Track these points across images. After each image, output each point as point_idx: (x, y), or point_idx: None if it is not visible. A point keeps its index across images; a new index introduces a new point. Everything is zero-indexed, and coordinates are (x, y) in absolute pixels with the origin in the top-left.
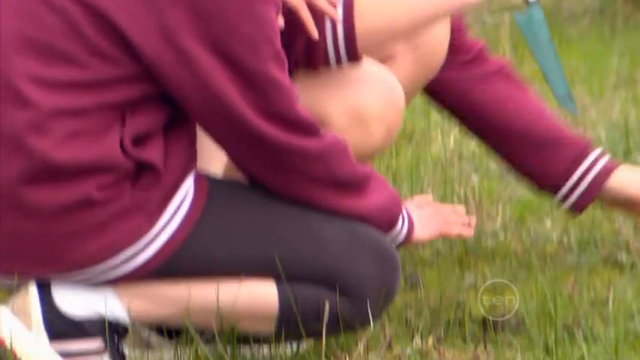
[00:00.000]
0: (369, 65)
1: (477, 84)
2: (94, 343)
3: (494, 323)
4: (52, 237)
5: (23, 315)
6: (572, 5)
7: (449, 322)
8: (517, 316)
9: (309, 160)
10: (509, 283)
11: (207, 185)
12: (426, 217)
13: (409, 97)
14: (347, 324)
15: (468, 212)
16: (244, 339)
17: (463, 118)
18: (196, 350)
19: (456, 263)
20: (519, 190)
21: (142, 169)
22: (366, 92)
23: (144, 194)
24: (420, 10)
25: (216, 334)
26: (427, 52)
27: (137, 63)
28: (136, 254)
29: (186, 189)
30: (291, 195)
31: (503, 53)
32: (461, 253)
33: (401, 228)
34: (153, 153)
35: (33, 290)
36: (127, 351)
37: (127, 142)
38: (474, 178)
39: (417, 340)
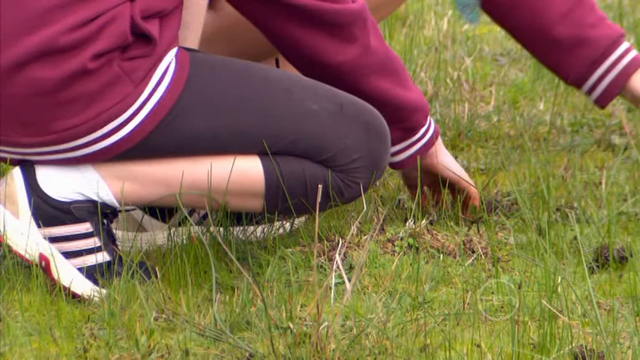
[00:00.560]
0: None
1: None
2: (83, 227)
3: (488, 205)
4: (47, 107)
5: (10, 203)
6: None
7: (442, 204)
8: (510, 198)
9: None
10: (502, 165)
11: (188, 58)
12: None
13: None
14: (336, 198)
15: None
16: (237, 219)
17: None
18: (189, 232)
19: (449, 146)
20: (512, 73)
21: (135, 41)
22: None
23: (131, 64)
24: None
25: (209, 214)
26: None
27: None
28: (124, 124)
29: (169, 61)
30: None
31: None
32: (454, 136)
33: (426, 130)
34: (153, 26)
35: (17, 175)
36: (119, 233)
37: (136, 14)
38: (468, 61)
39: (410, 222)
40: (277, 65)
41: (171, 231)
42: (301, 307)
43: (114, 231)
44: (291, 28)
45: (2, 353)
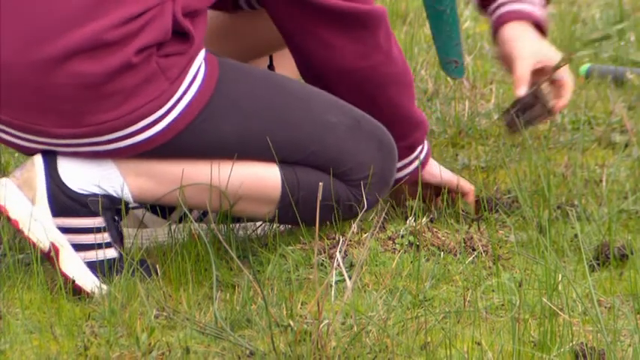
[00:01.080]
0: None
1: None
2: (96, 221)
3: (488, 203)
4: (87, 99)
5: (27, 188)
6: None
7: (443, 202)
8: (510, 196)
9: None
10: (502, 163)
11: (217, 61)
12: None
13: None
14: (345, 211)
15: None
16: (238, 217)
17: None
18: (190, 229)
19: (449, 143)
20: None
21: (172, 39)
22: None
23: (167, 61)
24: None
25: (209, 212)
26: None
27: None
28: (157, 121)
29: (200, 61)
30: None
31: None
32: (454, 134)
33: (422, 148)
34: (190, 24)
35: (39, 162)
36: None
37: (178, 11)
38: (468, 59)
39: (411, 220)
40: (271, 62)
41: (172, 228)
42: (302, 304)
43: (122, 229)
44: (317, 29)
45: (3, 351)
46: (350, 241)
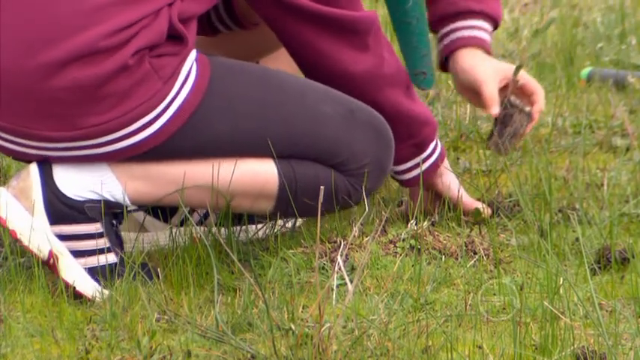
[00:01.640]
0: None
1: None
2: (94, 227)
3: (490, 206)
4: (83, 102)
5: (24, 198)
6: None
7: (444, 206)
8: (512, 200)
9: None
10: (503, 166)
11: (208, 60)
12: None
13: None
14: (343, 201)
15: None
16: (239, 220)
17: None
18: (191, 232)
19: (451, 147)
20: None
21: (165, 41)
22: None
23: (159, 61)
24: None
25: (211, 213)
26: None
27: None
28: (152, 122)
29: (191, 62)
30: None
31: None
32: (456, 137)
33: (434, 148)
34: (184, 28)
35: (34, 170)
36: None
37: (174, 15)
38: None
39: (412, 224)
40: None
41: (173, 231)
42: (303, 308)
43: (121, 233)
44: (309, 35)
45: (4, 355)
46: (351, 244)
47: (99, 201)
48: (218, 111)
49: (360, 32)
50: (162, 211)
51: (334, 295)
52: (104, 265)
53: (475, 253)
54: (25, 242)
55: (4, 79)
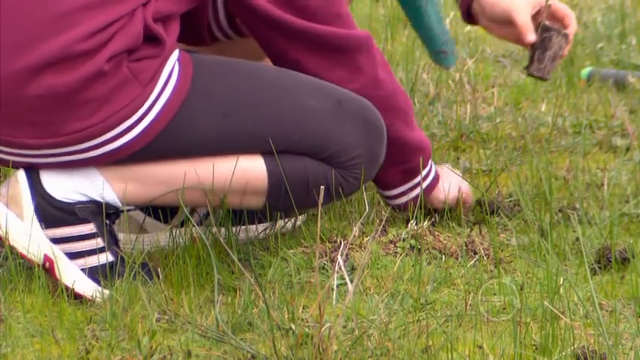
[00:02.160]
0: None
1: None
2: (86, 227)
3: (490, 206)
4: (60, 109)
5: (14, 204)
6: None
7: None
8: (512, 200)
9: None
10: (504, 166)
11: (190, 60)
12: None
13: None
14: (336, 193)
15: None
16: (239, 219)
17: None
18: (191, 233)
19: (451, 147)
20: (514, 74)
21: (143, 43)
22: None
23: (138, 65)
24: None
25: (211, 214)
26: None
27: None
28: (133, 126)
29: (173, 62)
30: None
31: None
32: (456, 137)
33: (427, 174)
34: (161, 29)
35: (22, 176)
36: (120, 235)
37: (149, 17)
38: (470, 63)
39: (412, 224)
40: None
41: (174, 232)
42: (303, 308)
43: (116, 232)
44: (298, 54)
45: (4, 355)
46: (351, 244)
47: (89, 202)
48: (202, 110)
49: (350, 50)
50: (163, 212)
51: (334, 295)
52: (98, 266)
53: (475, 253)
54: (19, 249)
55: None
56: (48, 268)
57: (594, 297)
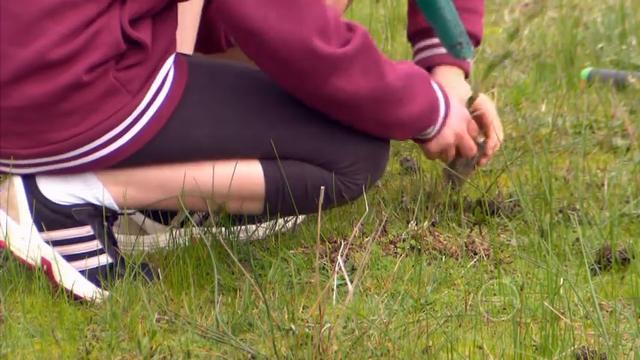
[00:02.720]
0: None
1: None
2: (84, 230)
3: (490, 206)
4: (44, 119)
5: (11, 208)
6: None
7: (444, 206)
8: (512, 200)
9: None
10: (504, 166)
11: (187, 66)
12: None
13: None
14: (337, 199)
15: None
16: (239, 220)
17: None
18: (191, 233)
19: None
20: (515, 74)
21: (129, 50)
22: None
23: (126, 74)
24: None
25: (211, 216)
26: None
27: None
28: (122, 133)
29: (167, 69)
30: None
31: None
32: None
33: (434, 128)
34: (144, 32)
35: (18, 180)
36: (120, 237)
37: (125, 22)
38: (470, 63)
39: (412, 224)
40: None
41: (174, 232)
42: (303, 308)
43: (115, 234)
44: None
45: (4, 355)
46: (351, 244)
47: (86, 204)
48: (196, 117)
49: (342, 68)
50: (162, 213)
51: (334, 296)
52: (97, 267)
53: (475, 254)
54: (16, 252)
55: None
56: (46, 271)
57: (594, 297)
